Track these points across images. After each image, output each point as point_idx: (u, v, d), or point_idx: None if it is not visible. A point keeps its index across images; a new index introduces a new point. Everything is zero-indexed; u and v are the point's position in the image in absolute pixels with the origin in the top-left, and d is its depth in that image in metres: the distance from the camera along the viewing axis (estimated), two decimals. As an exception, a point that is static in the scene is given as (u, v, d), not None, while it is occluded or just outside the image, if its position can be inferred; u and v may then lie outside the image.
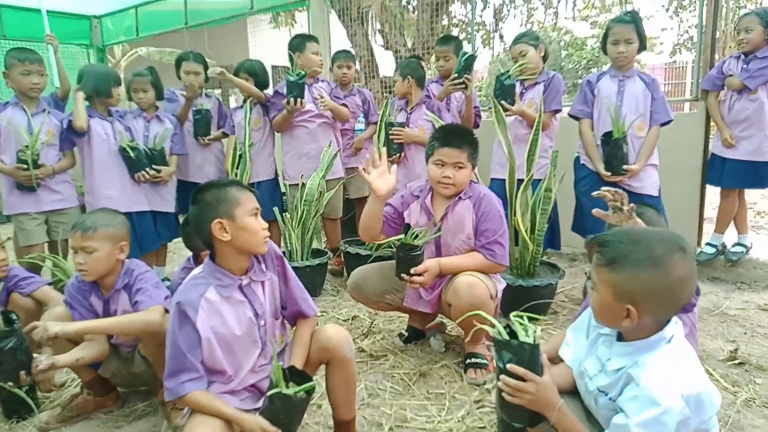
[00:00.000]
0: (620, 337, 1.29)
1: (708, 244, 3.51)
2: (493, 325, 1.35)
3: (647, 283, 1.17)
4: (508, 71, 3.07)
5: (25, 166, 2.95)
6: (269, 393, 1.46)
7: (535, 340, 1.28)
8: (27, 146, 2.95)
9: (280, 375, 1.46)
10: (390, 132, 3.34)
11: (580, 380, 1.36)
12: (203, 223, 1.55)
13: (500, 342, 1.29)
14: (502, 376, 1.27)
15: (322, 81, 3.66)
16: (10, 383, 1.92)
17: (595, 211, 1.73)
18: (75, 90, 2.99)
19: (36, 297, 2.34)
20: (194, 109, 3.59)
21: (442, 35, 4.62)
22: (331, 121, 3.63)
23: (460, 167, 2.23)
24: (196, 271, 1.63)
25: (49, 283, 2.45)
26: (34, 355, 1.87)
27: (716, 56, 3.69)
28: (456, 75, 3.19)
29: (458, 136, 2.26)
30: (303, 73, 3.33)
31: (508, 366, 1.25)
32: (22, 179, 2.97)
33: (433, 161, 2.27)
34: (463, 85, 3.20)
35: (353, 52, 4.36)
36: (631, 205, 1.66)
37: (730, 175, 3.31)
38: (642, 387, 1.15)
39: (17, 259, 3.02)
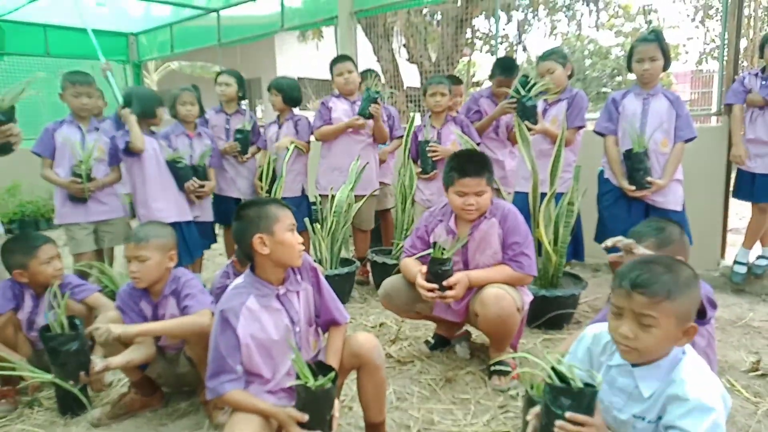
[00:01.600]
0: (634, 364, 1.33)
1: (737, 262, 3.48)
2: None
3: (696, 296, 1.28)
4: (529, 93, 3.13)
5: (80, 180, 3.16)
6: (294, 384, 1.57)
7: (595, 386, 1.25)
8: (81, 161, 3.16)
9: (301, 366, 1.56)
10: (427, 149, 3.45)
11: (605, 414, 1.36)
12: (245, 238, 1.69)
13: (559, 388, 1.25)
14: (560, 423, 1.23)
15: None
16: (72, 382, 2.08)
17: (611, 258, 1.82)
18: (125, 113, 3.15)
19: (88, 303, 2.51)
20: (237, 128, 3.80)
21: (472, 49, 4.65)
22: (369, 140, 3.76)
23: (481, 194, 2.31)
24: (238, 281, 1.78)
25: (99, 290, 2.63)
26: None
27: (744, 64, 3.71)
28: (511, 98, 3.21)
29: (476, 164, 2.32)
30: (378, 92, 3.50)
31: (569, 415, 1.22)
32: (75, 191, 3.19)
33: (454, 191, 2.33)
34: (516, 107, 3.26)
35: (380, 66, 4.50)
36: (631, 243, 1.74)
37: (762, 189, 3.31)
38: (692, 400, 1.21)
39: (73, 266, 3.23)
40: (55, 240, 2.52)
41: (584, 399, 1.23)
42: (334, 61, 3.75)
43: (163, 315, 2.17)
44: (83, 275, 3.05)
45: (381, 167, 4.10)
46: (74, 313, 2.46)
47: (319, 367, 1.61)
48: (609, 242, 1.77)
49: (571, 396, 1.23)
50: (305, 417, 1.56)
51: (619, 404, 1.35)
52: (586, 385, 1.26)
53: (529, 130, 3.09)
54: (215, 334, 1.68)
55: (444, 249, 2.30)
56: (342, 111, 3.71)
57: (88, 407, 2.28)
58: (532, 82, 3.20)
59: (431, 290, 2.27)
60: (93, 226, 3.31)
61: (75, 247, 3.25)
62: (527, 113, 3.12)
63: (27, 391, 2.41)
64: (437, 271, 2.28)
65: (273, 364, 1.73)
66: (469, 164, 2.33)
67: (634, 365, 1.33)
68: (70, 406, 2.25)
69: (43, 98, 3.00)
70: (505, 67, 3.64)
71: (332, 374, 1.57)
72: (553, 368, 1.29)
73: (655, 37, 2.94)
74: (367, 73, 4.07)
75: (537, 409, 1.34)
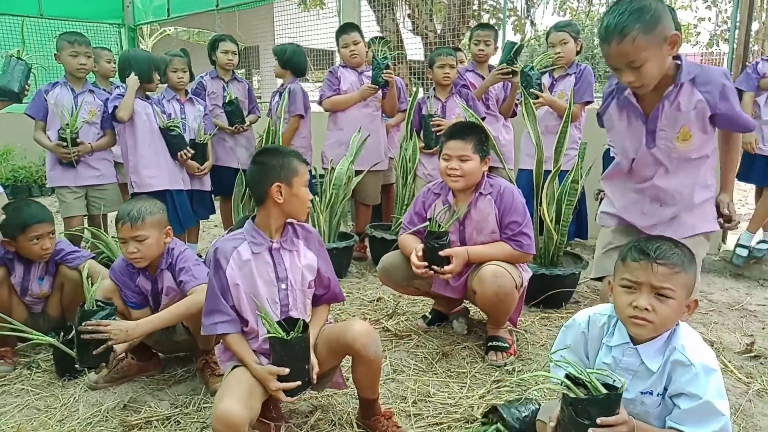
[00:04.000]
0: (634, 342, 1.35)
1: (740, 245, 3.47)
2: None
3: (696, 272, 1.33)
4: (532, 64, 3.12)
5: (65, 143, 3.11)
6: (266, 336, 1.60)
7: (620, 388, 1.23)
8: (68, 124, 3.10)
9: (268, 320, 1.58)
10: (431, 123, 3.40)
11: None
12: (263, 183, 1.71)
13: (584, 400, 1.21)
14: (593, 431, 1.20)
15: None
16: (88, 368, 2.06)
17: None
18: (133, 80, 3.06)
19: (81, 270, 2.50)
20: (224, 102, 3.70)
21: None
22: (378, 112, 3.69)
23: (465, 159, 2.29)
24: (238, 230, 1.81)
25: (93, 257, 2.61)
26: None
27: (755, 48, 3.66)
28: (504, 64, 3.24)
29: (464, 129, 2.35)
30: (387, 57, 3.42)
31: (600, 421, 1.19)
32: (61, 155, 3.14)
33: (442, 156, 2.35)
34: (511, 74, 3.25)
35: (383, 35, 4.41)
36: None
37: (761, 171, 3.31)
38: (696, 364, 1.25)
39: (63, 232, 3.21)
40: (49, 207, 2.48)
41: (611, 403, 1.21)
42: (340, 31, 3.66)
43: (161, 288, 2.17)
44: (75, 241, 3.04)
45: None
46: (68, 279, 2.47)
47: (289, 323, 1.62)
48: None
49: (597, 404, 1.21)
50: (285, 370, 1.58)
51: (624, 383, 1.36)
52: (605, 386, 1.24)
53: (537, 98, 3.06)
54: (210, 274, 1.75)
55: (440, 224, 2.29)
56: (349, 82, 3.63)
57: (85, 370, 2.28)
58: (518, 45, 3.22)
59: (424, 267, 2.26)
60: (83, 191, 3.28)
61: (65, 210, 3.24)
62: (529, 83, 3.08)
63: (25, 352, 2.41)
64: (433, 245, 2.27)
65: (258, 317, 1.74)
66: (458, 129, 2.36)
67: (636, 343, 1.34)
68: (67, 368, 2.26)
69: (39, 62, 2.94)
70: (482, 24, 3.73)
71: (301, 323, 1.60)
72: (567, 376, 1.25)
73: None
74: (373, 41, 3.97)
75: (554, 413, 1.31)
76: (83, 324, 1.88)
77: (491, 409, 1.79)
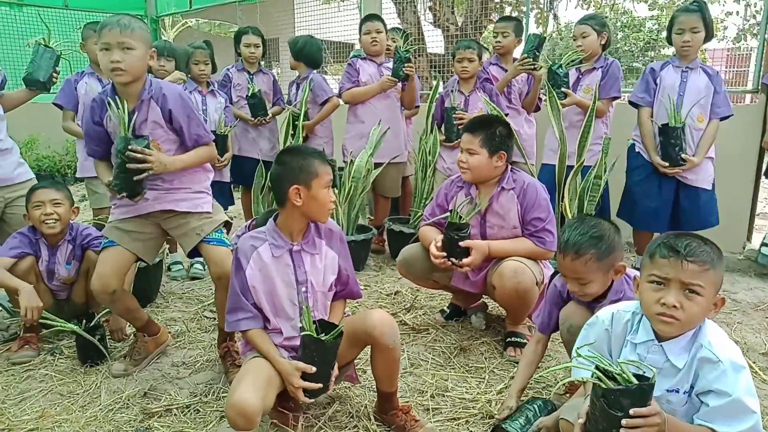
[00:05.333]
0: (659, 339, 1.33)
1: (765, 244, 3.37)
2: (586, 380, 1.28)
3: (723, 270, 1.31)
4: (560, 62, 3.08)
5: None
6: (301, 334, 1.61)
7: (652, 378, 1.21)
8: None
9: (309, 319, 1.58)
10: (453, 116, 3.38)
11: None
12: (283, 185, 1.71)
13: (617, 390, 1.19)
14: (627, 421, 1.18)
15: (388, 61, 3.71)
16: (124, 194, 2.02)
17: None
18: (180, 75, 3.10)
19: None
20: (247, 95, 3.71)
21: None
22: (397, 104, 3.67)
23: (471, 152, 2.28)
24: (261, 227, 1.80)
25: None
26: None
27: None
28: (525, 56, 3.21)
29: (476, 123, 2.35)
30: (408, 51, 3.40)
31: (634, 411, 1.18)
32: None
33: (460, 148, 2.37)
34: (533, 67, 3.22)
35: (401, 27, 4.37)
36: None
37: None
38: (723, 361, 1.24)
39: (92, 220, 3.25)
40: (72, 193, 2.52)
41: (644, 394, 1.19)
42: (364, 20, 3.65)
43: (144, 120, 2.03)
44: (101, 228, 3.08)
45: None
46: (94, 264, 2.50)
47: (322, 326, 1.62)
48: None
49: (630, 394, 1.19)
50: (312, 368, 1.59)
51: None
52: (636, 377, 1.21)
53: (565, 97, 3.03)
54: (233, 272, 1.77)
55: (461, 215, 2.27)
56: (369, 74, 3.62)
57: (107, 356, 2.33)
58: (538, 35, 3.19)
59: (442, 258, 2.26)
60: None
61: (96, 201, 3.27)
62: (558, 81, 3.04)
63: (48, 338, 2.46)
64: (453, 237, 2.26)
65: (279, 314, 1.75)
66: (473, 123, 2.37)
67: (661, 340, 1.32)
68: (89, 355, 2.30)
69: (64, 53, 2.94)
70: (503, 17, 3.69)
71: (340, 328, 1.60)
72: (597, 368, 1.23)
73: (698, 7, 2.81)
74: (393, 32, 3.95)
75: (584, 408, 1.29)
76: (130, 148, 1.90)
77: (495, 428, 1.77)
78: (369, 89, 3.57)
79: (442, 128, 3.54)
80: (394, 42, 3.85)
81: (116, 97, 1.99)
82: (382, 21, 3.65)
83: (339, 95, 3.73)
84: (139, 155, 1.92)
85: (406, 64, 3.39)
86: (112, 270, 2.09)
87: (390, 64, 3.57)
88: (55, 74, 2.80)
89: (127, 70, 1.91)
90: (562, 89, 3.06)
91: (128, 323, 2.50)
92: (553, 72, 3.06)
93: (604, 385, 1.20)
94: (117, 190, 1.99)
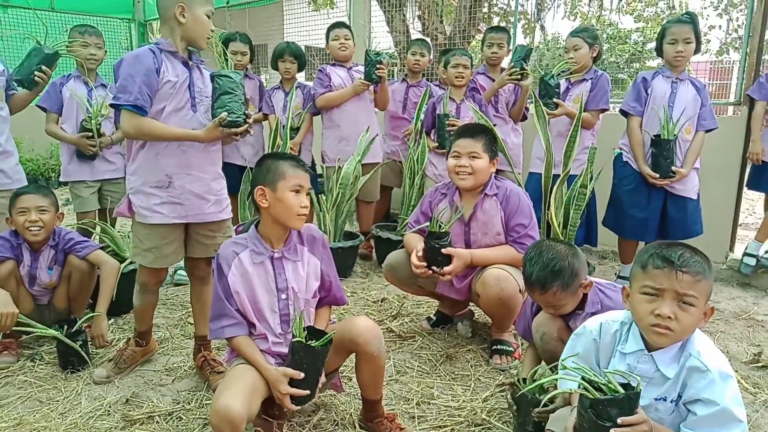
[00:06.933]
0: (649, 349, 1.33)
1: (747, 254, 3.42)
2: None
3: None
4: (551, 72, 3.11)
5: (90, 134, 3.10)
6: (291, 341, 1.60)
7: (637, 386, 1.22)
8: (90, 116, 3.09)
9: (300, 326, 1.58)
10: (447, 123, 3.39)
11: None
12: (252, 186, 1.72)
13: (604, 401, 1.19)
14: (615, 431, 1.18)
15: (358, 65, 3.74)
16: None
17: None
18: None
19: (90, 260, 2.50)
20: None
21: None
22: (371, 106, 3.70)
23: (475, 156, 2.30)
24: (243, 234, 1.79)
25: (101, 248, 2.61)
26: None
27: (766, 57, 3.62)
28: (513, 66, 3.25)
29: (474, 129, 2.39)
30: (379, 53, 3.43)
31: (621, 420, 1.18)
32: (85, 147, 3.12)
33: (451, 154, 2.37)
34: (520, 77, 3.25)
35: (392, 38, 4.40)
36: None
37: None
38: (712, 370, 1.24)
39: (75, 223, 3.21)
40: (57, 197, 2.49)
41: (631, 403, 1.20)
42: (332, 27, 3.71)
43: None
44: (86, 234, 3.04)
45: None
46: (76, 268, 2.47)
47: (311, 332, 1.62)
48: None
49: (617, 404, 1.19)
50: (300, 374, 1.57)
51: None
52: (622, 386, 1.22)
53: (556, 107, 3.06)
54: (215, 279, 1.74)
55: (442, 223, 2.28)
56: (340, 78, 3.64)
57: (89, 362, 2.29)
58: (526, 46, 3.24)
59: (423, 267, 2.26)
60: (98, 185, 3.27)
61: (80, 205, 3.22)
62: (550, 92, 3.07)
63: (29, 343, 2.42)
64: (433, 246, 2.26)
65: (262, 320, 1.73)
66: (468, 129, 2.39)
67: (650, 350, 1.33)
68: (70, 361, 2.27)
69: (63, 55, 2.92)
70: (495, 27, 3.74)
71: (331, 335, 1.59)
72: (584, 379, 1.23)
73: (690, 19, 2.87)
74: (418, 44, 4.00)
75: (570, 421, 1.30)
76: None
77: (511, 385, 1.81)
78: (343, 93, 3.59)
79: (432, 134, 3.56)
80: (423, 56, 3.91)
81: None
82: (349, 29, 3.71)
83: (312, 101, 3.73)
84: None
85: (377, 67, 3.41)
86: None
87: (360, 68, 3.61)
88: (39, 74, 2.74)
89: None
90: (554, 99, 3.09)
91: (111, 328, 2.46)
92: (545, 82, 3.09)
93: (591, 396, 1.20)
94: (232, 120, 1.92)
